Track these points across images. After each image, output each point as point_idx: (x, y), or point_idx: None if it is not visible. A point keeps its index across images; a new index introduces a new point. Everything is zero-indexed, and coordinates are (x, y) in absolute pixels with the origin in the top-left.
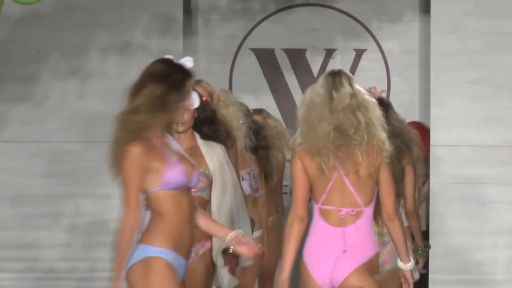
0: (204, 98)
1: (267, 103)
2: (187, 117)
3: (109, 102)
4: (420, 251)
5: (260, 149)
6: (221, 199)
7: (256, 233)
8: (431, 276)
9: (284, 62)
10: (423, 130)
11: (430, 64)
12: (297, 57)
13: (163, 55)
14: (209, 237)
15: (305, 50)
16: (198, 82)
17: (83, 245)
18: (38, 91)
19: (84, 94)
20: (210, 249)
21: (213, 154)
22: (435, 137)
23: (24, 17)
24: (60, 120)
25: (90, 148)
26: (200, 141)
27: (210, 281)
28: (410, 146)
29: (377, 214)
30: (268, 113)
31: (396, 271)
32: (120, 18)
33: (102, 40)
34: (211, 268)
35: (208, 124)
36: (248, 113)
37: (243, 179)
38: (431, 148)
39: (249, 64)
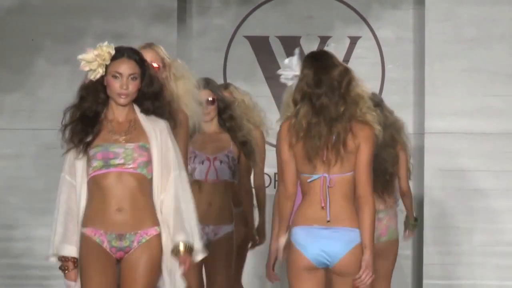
0: (156, 66)
1: (262, 91)
2: (131, 87)
3: None
4: (411, 225)
5: (231, 130)
6: (164, 183)
7: (229, 227)
8: (425, 259)
9: (278, 49)
10: None
11: (424, 51)
12: (291, 44)
13: (157, 42)
14: (154, 223)
15: (299, 37)
16: (150, 45)
17: None
18: (31, 79)
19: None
20: (157, 236)
21: (155, 128)
22: (429, 124)
23: (18, 6)
24: (52, 108)
25: None
26: (140, 115)
27: (156, 275)
28: (401, 133)
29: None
30: (235, 87)
31: (392, 242)
32: (114, 6)
33: (96, 28)
34: (158, 258)
35: (152, 99)
36: (215, 89)
37: (221, 162)
38: (425, 136)
39: (244, 52)
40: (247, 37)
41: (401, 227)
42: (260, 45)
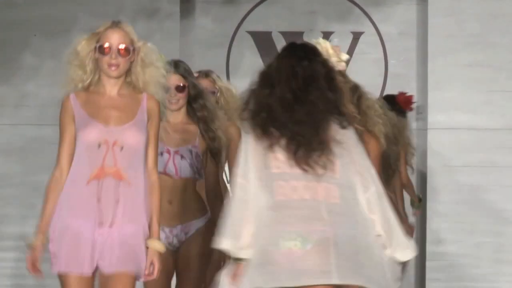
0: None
1: None
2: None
3: None
4: (416, 205)
5: (200, 121)
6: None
7: (200, 222)
8: (428, 256)
9: (281, 45)
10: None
11: (427, 47)
12: (294, 40)
13: (159, 37)
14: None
15: (302, 33)
16: (117, 24)
17: None
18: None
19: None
20: None
21: None
22: (432, 120)
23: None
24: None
25: None
26: None
27: None
28: (403, 133)
29: None
30: (218, 76)
31: None
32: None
33: (95, 21)
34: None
35: None
36: (187, 74)
37: (181, 157)
38: (428, 131)
39: (246, 47)
40: (250, 33)
41: (408, 209)
42: (263, 41)
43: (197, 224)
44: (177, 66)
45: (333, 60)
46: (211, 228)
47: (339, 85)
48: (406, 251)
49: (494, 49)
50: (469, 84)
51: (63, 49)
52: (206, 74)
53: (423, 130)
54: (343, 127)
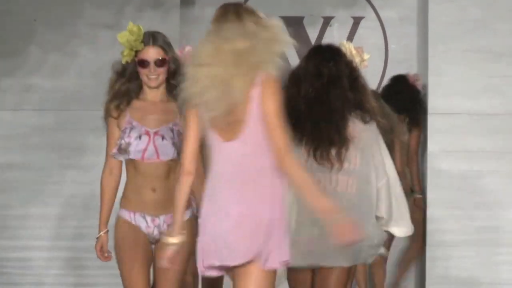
0: None
1: None
2: None
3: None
4: (409, 195)
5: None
6: None
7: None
8: (429, 240)
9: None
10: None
11: (428, 32)
12: (295, 25)
13: (158, 24)
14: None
15: (303, 18)
16: None
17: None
18: (26, 65)
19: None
20: None
21: None
22: (433, 105)
23: None
24: (49, 94)
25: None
26: None
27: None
28: (395, 123)
29: None
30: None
31: None
32: None
33: (94, 16)
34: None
35: None
36: (167, 47)
37: (163, 138)
38: (428, 116)
39: None
40: None
41: None
42: None
43: None
44: (155, 38)
45: (356, 60)
46: (195, 224)
47: (362, 84)
48: (403, 228)
49: (494, 34)
50: (470, 70)
51: (68, 41)
52: (183, 48)
53: (423, 115)
54: (366, 122)
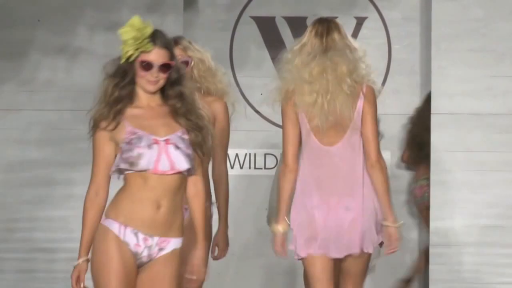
0: None
1: (268, 71)
2: None
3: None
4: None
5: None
6: None
7: (178, 243)
8: (432, 240)
9: (285, 30)
10: None
11: (431, 32)
12: (298, 25)
13: (163, 22)
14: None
15: (306, 18)
16: None
17: None
18: (26, 68)
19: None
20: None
21: None
22: (436, 105)
23: None
24: (48, 95)
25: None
26: None
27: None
28: None
29: None
30: (190, 42)
31: None
32: None
33: (94, 16)
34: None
35: None
36: (173, 52)
37: (176, 147)
38: (431, 116)
39: (250, 33)
40: (254, 18)
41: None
42: (267, 26)
43: (175, 243)
44: (165, 39)
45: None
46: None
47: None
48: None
49: (497, 34)
50: (473, 69)
51: (67, 42)
52: (176, 41)
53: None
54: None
